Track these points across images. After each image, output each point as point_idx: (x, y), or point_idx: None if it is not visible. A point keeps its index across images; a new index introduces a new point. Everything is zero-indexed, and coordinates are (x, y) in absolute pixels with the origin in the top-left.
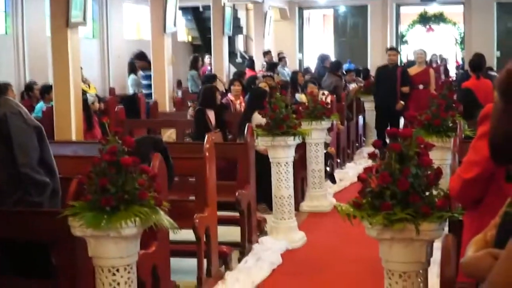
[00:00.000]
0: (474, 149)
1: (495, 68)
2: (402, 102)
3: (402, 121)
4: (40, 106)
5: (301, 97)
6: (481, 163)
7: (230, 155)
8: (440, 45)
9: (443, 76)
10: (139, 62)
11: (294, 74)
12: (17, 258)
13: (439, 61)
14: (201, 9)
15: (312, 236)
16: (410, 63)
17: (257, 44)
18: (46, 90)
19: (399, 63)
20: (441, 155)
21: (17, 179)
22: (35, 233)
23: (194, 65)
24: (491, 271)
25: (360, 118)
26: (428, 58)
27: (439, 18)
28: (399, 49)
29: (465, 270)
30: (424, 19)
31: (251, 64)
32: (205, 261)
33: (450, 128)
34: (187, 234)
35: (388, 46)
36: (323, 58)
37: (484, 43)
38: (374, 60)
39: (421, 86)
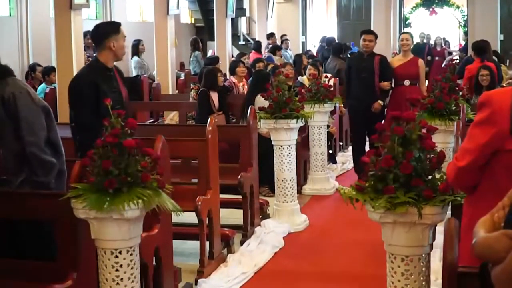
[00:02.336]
0: (469, 136)
1: (498, 51)
2: (381, 102)
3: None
4: (42, 87)
5: (304, 79)
6: (474, 151)
7: (233, 138)
8: (443, 28)
9: (447, 58)
10: None
11: (298, 57)
12: (19, 240)
13: (443, 45)
14: None
15: (315, 219)
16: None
17: (260, 27)
18: (47, 72)
19: (397, 51)
20: (444, 139)
21: (24, 159)
22: (38, 215)
23: (196, 46)
24: (509, 257)
25: None
26: (432, 41)
27: (443, 1)
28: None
29: (478, 251)
30: (427, 1)
31: (257, 46)
32: (207, 243)
33: (453, 111)
34: (190, 217)
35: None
36: (328, 41)
37: (487, 26)
38: (378, 43)
39: (406, 82)
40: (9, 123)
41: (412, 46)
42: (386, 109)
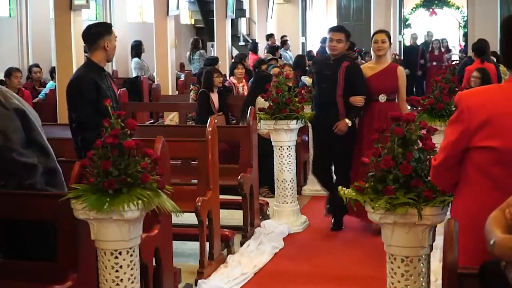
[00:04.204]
0: (444, 135)
1: (498, 52)
2: (348, 122)
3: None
4: (51, 85)
5: (308, 80)
6: (446, 149)
7: (233, 138)
8: (443, 28)
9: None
10: None
11: (300, 57)
12: (19, 240)
13: (442, 49)
14: None
15: (315, 220)
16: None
17: (260, 27)
18: (55, 70)
19: (397, 52)
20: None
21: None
22: (38, 215)
23: (197, 46)
24: None
25: None
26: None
27: (443, 1)
28: (402, 33)
29: (500, 252)
30: (427, 2)
31: (254, 47)
32: (207, 244)
33: (453, 112)
34: (190, 218)
35: (376, 29)
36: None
37: (487, 27)
38: None
39: (382, 98)
40: None
41: (388, 50)
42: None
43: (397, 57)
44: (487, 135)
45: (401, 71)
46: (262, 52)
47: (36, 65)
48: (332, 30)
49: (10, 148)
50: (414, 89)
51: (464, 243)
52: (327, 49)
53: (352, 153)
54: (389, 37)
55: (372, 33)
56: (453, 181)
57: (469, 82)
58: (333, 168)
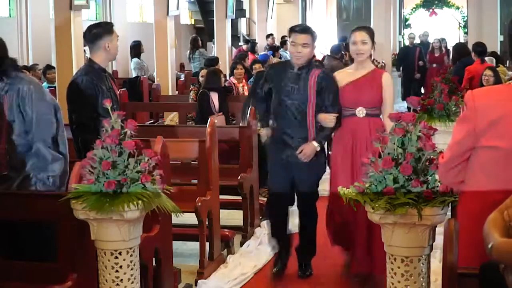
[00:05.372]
0: (452, 133)
1: (498, 52)
2: (316, 145)
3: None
4: (44, 86)
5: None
6: (453, 147)
7: (233, 139)
8: (443, 29)
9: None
10: None
11: None
12: (18, 240)
13: (443, 49)
14: None
15: None
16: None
17: (260, 28)
18: (46, 70)
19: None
20: (444, 140)
21: (27, 155)
22: (38, 216)
23: (196, 45)
24: None
25: None
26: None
27: (443, 2)
28: (402, 33)
29: (498, 255)
30: (427, 2)
31: (252, 47)
32: (207, 244)
33: (453, 112)
34: (190, 218)
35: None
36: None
37: (488, 27)
38: (377, 44)
39: (360, 112)
40: (19, 118)
41: (370, 52)
42: (326, 159)
43: (382, 63)
44: (495, 135)
45: (387, 79)
46: (263, 52)
47: (36, 65)
48: (297, 31)
49: (42, 139)
50: (412, 93)
51: (467, 242)
52: (291, 56)
53: (317, 186)
54: (372, 36)
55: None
56: (460, 179)
57: (472, 82)
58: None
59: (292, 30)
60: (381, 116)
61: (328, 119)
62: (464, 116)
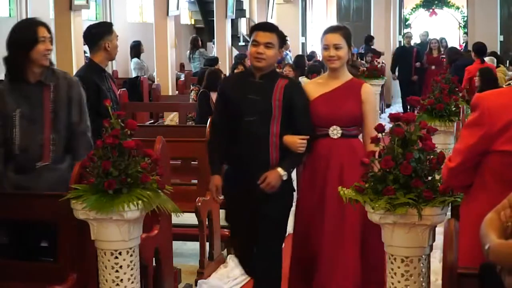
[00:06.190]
0: (460, 138)
1: (498, 52)
2: (282, 172)
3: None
4: None
5: (305, 81)
6: (463, 152)
7: None
8: (443, 29)
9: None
10: None
11: (300, 57)
12: (19, 240)
13: (442, 49)
14: None
15: None
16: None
17: None
18: None
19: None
20: (444, 140)
21: (68, 145)
22: (38, 216)
23: (196, 44)
24: None
25: None
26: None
27: (443, 1)
28: (402, 33)
29: (495, 257)
30: (427, 2)
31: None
32: (207, 244)
33: (453, 112)
34: (190, 218)
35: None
36: None
37: (488, 27)
38: (377, 44)
39: (334, 132)
40: (67, 108)
41: (347, 58)
42: (296, 190)
43: (382, 63)
44: (507, 139)
45: (368, 91)
46: None
47: None
48: (258, 28)
49: (87, 128)
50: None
51: (471, 245)
52: (251, 60)
53: (286, 224)
54: (348, 38)
55: (372, 33)
56: (468, 183)
57: (472, 82)
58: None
59: (255, 27)
60: (360, 137)
61: (297, 143)
62: (475, 120)
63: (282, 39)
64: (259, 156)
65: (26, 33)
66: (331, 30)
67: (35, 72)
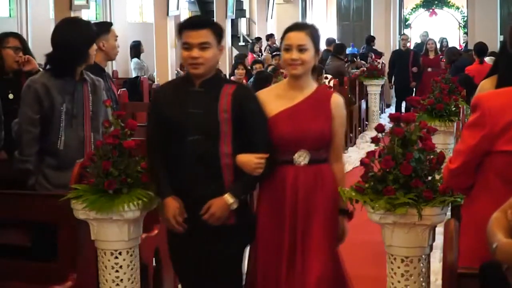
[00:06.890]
0: (461, 139)
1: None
2: (231, 199)
3: None
4: None
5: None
6: (465, 153)
7: None
8: (443, 29)
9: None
10: None
11: None
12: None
13: (439, 51)
14: None
15: None
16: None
17: (260, 28)
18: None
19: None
20: (444, 140)
21: None
22: (38, 216)
23: None
24: None
25: (363, 102)
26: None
27: (442, 2)
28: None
29: (502, 256)
30: (427, 2)
31: (253, 47)
32: None
33: (453, 112)
34: None
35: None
36: (328, 42)
37: (488, 27)
38: (378, 44)
39: (300, 158)
40: (102, 107)
41: (313, 63)
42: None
43: (382, 64)
44: (510, 138)
45: (338, 104)
46: (264, 52)
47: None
48: (187, 27)
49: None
50: (405, 105)
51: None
52: (187, 68)
53: (241, 265)
54: (315, 39)
55: (372, 33)
56: (469, 184)
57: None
58: None
59: (182, 26)
60: (326, 161)
61: (253, 163)
62: (476, 121)
63: (220, 34)
64: (209, 183)
65: (89, 30)
66: (294, 27)
67: (79, 69)
